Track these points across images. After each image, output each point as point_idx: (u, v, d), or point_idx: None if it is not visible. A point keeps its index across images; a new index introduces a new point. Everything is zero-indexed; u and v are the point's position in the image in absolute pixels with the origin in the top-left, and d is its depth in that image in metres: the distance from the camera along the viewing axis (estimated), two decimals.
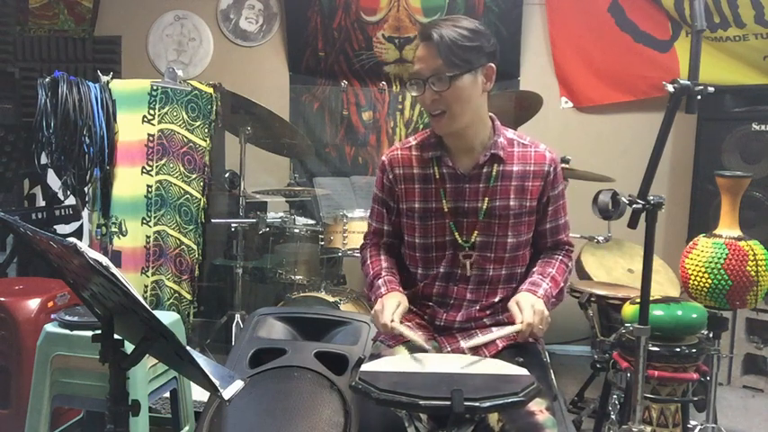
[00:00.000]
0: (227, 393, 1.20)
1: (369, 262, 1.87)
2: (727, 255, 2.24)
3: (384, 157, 1.86)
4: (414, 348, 1.71)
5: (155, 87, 2.91)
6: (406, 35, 3.97)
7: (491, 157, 1.74)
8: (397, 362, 1.51)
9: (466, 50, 1.62)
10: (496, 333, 1.63)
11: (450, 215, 1.76)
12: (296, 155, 3.85)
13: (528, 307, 1.60)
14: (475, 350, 1.74)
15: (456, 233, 1.76)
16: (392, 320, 1.61)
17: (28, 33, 4.38)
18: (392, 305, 1.66)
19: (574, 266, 1.95)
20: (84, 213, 3.55)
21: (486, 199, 1.74)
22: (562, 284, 1.78)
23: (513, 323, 1.77)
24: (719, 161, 3.35)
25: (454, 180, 1.76)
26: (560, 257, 1.83)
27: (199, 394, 2.36)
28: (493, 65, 1.69)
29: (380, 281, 1.78)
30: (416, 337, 1.63)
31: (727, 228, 2.33)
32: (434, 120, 1.70)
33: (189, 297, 2.91)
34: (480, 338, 1.65)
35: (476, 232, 1.75)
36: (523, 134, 1.83)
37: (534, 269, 1.81)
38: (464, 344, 1.70)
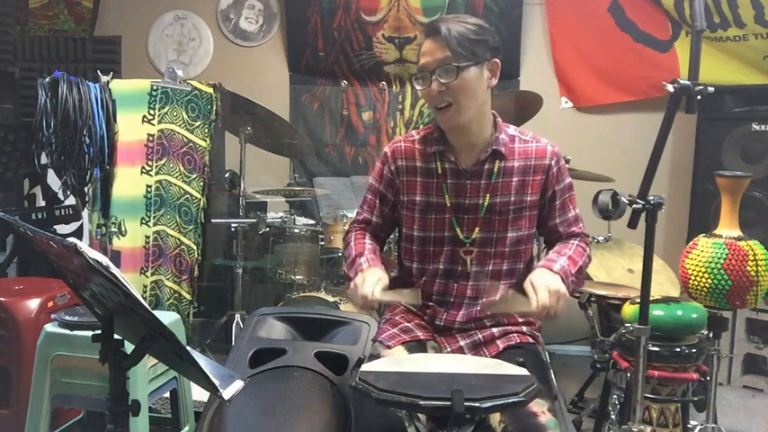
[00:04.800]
0: (227, 393, 1.20)
1: (352, 243, 1.85)
2: (727, 255, 2.24)
3: (387, 148, 1.86)
4: (413, 349, 1.72)
5: (155, 87, 2.91)
6: (405, 35, 3.97)
7: (492, 153, 1.74)
8: (397, 362, 1.51)
9: (473, 43, 1.64)
10: (512, 306, 1.62)
11: (452, 210, 1.76)
12: (296, 155, 3.85)
13: (542, 287, 1.55)
14: (475, 351, 1.74)
15: (457, 229, 1.76)
16: (372, 293, 1.60)
17: (28, 33, 4.37)
18: (373, 279, 1.64)
19: None
20: (84, 213, 3.55)
21: (488, 195, 1.74)
22: (580, 264, 1.73)
23: (514, 323, 1.78)
24: (719, 161, 3.34)
25: (456, 176, 1.76)
26: (576, 242, 1.79)
27: (199, 394, 2.36)
28: (498, 60, 1.71)
29: (362, 258, 1.76)
30: (401, 297, 1.62)
31: (727, 228, 2.33)
32: (440, 113, 1.70)
33: (188, 297, 2.91)
34: (498, 306, 1.64)
35: (477, 228, 1.76)
36: (525, 131, 1.83)
37: (550, 252, 1.79)
38: (482, 306, 1.67)
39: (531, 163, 1.76)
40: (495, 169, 1.75)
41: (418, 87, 1.71)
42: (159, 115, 2.90)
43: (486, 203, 1.75)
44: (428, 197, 1.78)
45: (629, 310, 2.32)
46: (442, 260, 1.78)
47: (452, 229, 1.77)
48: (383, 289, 1.64)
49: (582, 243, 1.80)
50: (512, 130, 1.81)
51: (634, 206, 1.76)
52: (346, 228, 3.06)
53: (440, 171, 1.77)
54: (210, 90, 2.93)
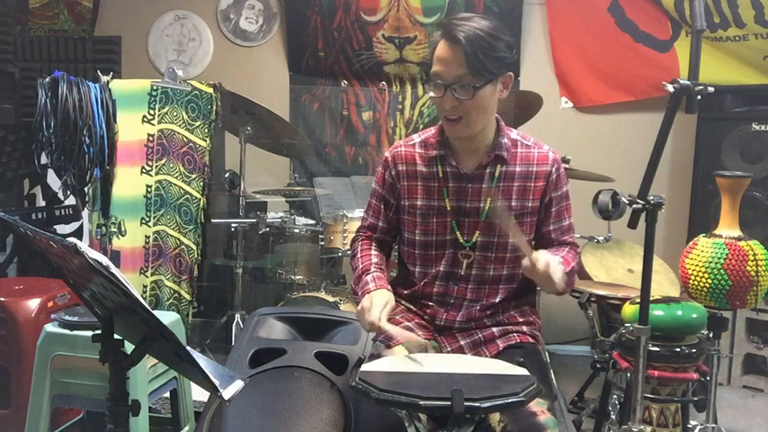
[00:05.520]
0: (227, 393, 1.20)
1: (359, 255, 1.85)
2: (727, 255, 2.24)
3: (387, 153, 1.86)
4: (413, 348, 1.72)
5: (155, 87, 2.91)
6: (405, 35, 3.97)
7: (495, 157, 1.74)
8: (398, 362, 1.51)
9: (491, 60, 1.60)
10: (519, 238, 1.61)
11: (453, 214, 1.76)
12: (296, 155, 3.85)
13: (544, 254, 1.55)
14: (475, 350, 1.74)
15: (458, 232, 1.76)
16: (379, 319, 1.58)
17: (28, 33, 4.37)
18: (380, 303, 1.62)
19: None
20: (84, 213, 3.55)
21: (489, 199, 1.74)
22: (573, 266, 1.74)
23: (514, 323, 1.78)
24: (719, 161, 3.34)
25: (457, 179, 1.76)
26: (567, 249, 1.81)
27: (199, 394, 2.36)
28: (511, 74, 1.69)
29: (369, 276, 1.75)
30: (404, 333, 1.61)
31: (727, 228, 2.33)
32: (449, 124, 1.70)
33: (188, 297, 2.91)
34: (510, 227, 1.62)
35: (477, 232, 1.75)
36: (527, 135, 1.83)
37: None
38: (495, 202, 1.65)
39: (532, 169, 1.76)
40: (497, 173, 1.75)
41: (431, 94, 1.68)
42: (159, 115, 2.90)
43: (487, 207, 1.75)
44: (429, 201, 1.78)
45: (629, 310, 2.32)
46: (443, 263, 1.78)
47: (453, 233, 1.76)
48: (390, 311, 1.63)
49: (572, 251, 1.82)
50: (514, 134, 1.81)
51: (634, 206, 1.76)
52: (347, 228, 3.12)
53: (441, 175, 1.77)
54: (210, 90, 2.93)
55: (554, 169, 1.77)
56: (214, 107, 2.92)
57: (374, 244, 1.89)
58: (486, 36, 1.60)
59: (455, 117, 1.67)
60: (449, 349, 1.75)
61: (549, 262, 1.52)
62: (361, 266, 1.81)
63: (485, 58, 1.59)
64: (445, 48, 1.62)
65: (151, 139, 2.89)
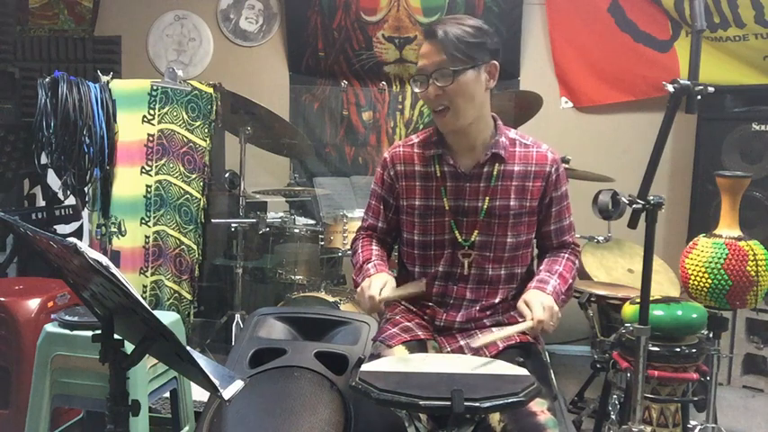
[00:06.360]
0: (227, 393, 1.20)
1: (360, 250, 1.86)
2: (727, 255, 2.24)
3: (386, 153, 1.86)
4: (414, 348, 1.72)
5: (155, 87, 2.91)
6: (405, 35, 3.97)
7: (492, 156, 1.74)
8: (398, 362, 1.51)
9: (469, 46, 1.64)
10: (507, 330, 1.62)
11: (451, 213, 1.76)
12: (296, 155, 3.85)
13: (537, 304, 1.59)
14: (476, 350, 1.74)
15: (456, 231, 1.76)
16: (379, 293, 1.61)
17: (28, 33, 4.37)
18: (379, 281, 1.66)
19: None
20: (84, 213, 3.54)
21: (487, 198, 1.74)
22: (570, 281, 1.77)
23: (514, 323, 1.78)
24: (719, 161, 3.35)
25: (455, 178, 1.76)
26: (567, 255, 1.82)
27: (199, 394, 2.36)
28: (496, 62, 1.71)
29: (370, 264, 1.78)
30: (406, 291, 1.62)
31: (727, 228, 2.33)
32: (438, 116, 1.71)
33: (189, 297, 2.91)
34: (490, 336, 1.64)
35: (476, 231, 1.76)
36: (526, 134, 1.83)
37: (541, 267, 1.81)
38: (474, 343, 1.68)
39: (531, 168, 1.76)
40: (495, 172, 1.75)
41: (416, 90, 1.71)
42: (159, 115, 2.90)
43: (485, 207, 1.75)
44: (427, 201, 1.79)
45: (629, 310, 2.32)
46: (443, 263, 1.79)
47: (451, 232, 1.77)
48: (389, 290, 1.66)
49: (572, 256, 1.83)
50: (512, 133, 1.81)
51: (634, 206, 1.76)
52: (347, 228, 3.12)
53: (438, 174, 1.78)
54: (210, 90, 2.93)
55: (553, 169, 1.78)
56: (214, 107, 2.92)
57: (374, 241, 1.90)
58: (463, 27, 1.66)
59: (441, 108, 1.68)
60: (449, 349, 1.75)
61: (543, 321, 1.56)
62: (362, 259, 1.83)
63: (461, 44, 1.64)
64: (425, 45, 1.69)
65: (151, 139, 2.89)
